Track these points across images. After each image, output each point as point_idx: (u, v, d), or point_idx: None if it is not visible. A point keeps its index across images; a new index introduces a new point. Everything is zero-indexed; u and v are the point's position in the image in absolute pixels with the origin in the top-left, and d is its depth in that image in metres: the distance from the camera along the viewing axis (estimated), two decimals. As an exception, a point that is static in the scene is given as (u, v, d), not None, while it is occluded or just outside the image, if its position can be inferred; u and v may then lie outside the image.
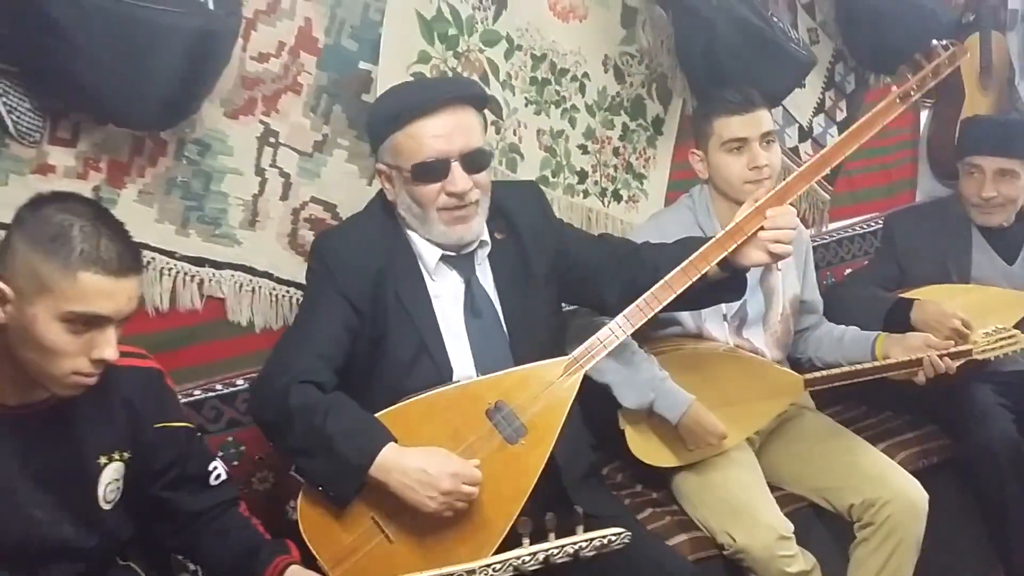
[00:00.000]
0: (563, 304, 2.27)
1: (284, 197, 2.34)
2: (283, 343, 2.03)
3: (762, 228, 1.93)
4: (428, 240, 2.03)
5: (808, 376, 2.46)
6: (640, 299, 1.96)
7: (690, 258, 1.95)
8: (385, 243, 2.04)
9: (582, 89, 2.81)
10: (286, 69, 2.29)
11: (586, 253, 2.18)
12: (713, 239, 1.96)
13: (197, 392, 2.19)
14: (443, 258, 2.04)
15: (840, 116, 3.47)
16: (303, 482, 1.89)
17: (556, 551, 1.63)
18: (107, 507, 1.67)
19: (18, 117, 1.92)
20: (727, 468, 2.37)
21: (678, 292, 1.95)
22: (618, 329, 1.97)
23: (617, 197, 2.94)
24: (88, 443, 1.65)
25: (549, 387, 1.94)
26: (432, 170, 1.93)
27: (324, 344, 1.94)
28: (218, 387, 2.24)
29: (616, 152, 2.92)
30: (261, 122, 2.27)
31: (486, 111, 2.35)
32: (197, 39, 1.92)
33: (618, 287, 2.09)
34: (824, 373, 2.48)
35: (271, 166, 2.31)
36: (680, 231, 2.36)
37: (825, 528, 2.47)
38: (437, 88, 2.02)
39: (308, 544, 1.84)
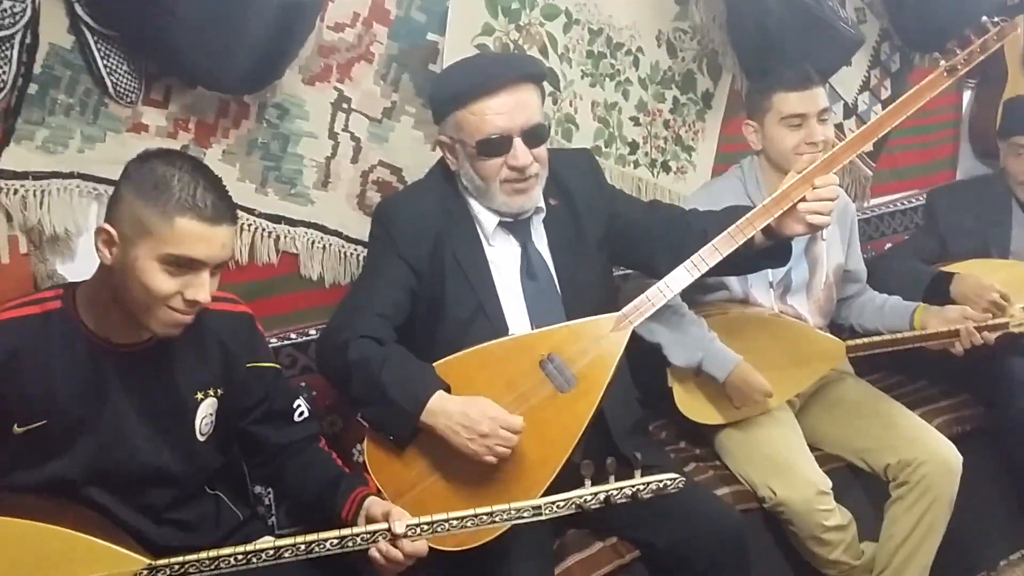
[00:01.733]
0: (615, 268, 2.38)
1: (354, 160, 2.47)
2: (346, 302, 2.16)
3: (803, 199, 2.01)
4: (487, 208, 2.15)
5: (850, 343, 2.56)
6: (688, 260, 2.04)
7: (737, 223, 2.04)
8: (444, 208, 2.15)
9: (636, 63, 2.91)
10: (360, 39, 2.41)
11: (637, 218, 2.28)
12: (760, 205, 2.05)
13: (273, 340, 2.33)
14: (501, 224, 2.15)
15: (884, 95, 3.55)
16: (367, 426, 2.03)
17: (616, 492, 1.74)
18: (201, 439, 1.81)
19: (117, 79, 2.06)
20: (769, 426, 2.48)
21: (724, 255, 2.03)
22: (666, 288, 2.05)
23: (666, 168, 3.05)
24: (186, 380, 1.78)
25: (599, 341, 2.04)
26: (495, 146, 2.04)
27: (383, 304, 2.07)
28: (292, 336, 2.39)
29: (666, 124, 3.02)
30: (335, 88, 2.40)
31: (544, 83, 2.46)
32: (285, 8, 2.05)
33: (667, 251, 2.17)
34: (864, 340, 2.58)
35: (343, 130, 2.44)
36: (730, 200, 2.46)
37: (861, 487, 2.57)
38: (499, 67, 2.10)
39: (372, 477, 1.97)
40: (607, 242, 2.26)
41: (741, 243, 2.03)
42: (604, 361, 2.03)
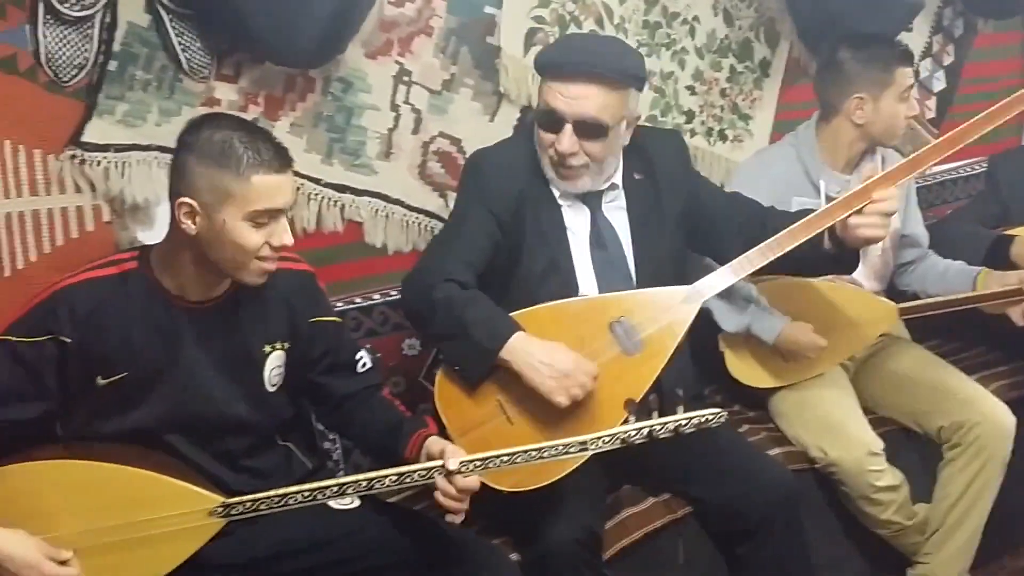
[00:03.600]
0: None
1: (415, 131, 2.56)
2: (432, 246, 2.27)
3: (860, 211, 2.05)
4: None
5: (903, 305, 2.58)
6: (763, 244, 2.11)
7: (816, 213, 2.09)
8: (528, 168, 2.22)
9: (692, 32, 2.95)
10: (419, 13, 2.49)
11: (716, 206, 2.33)
12: (844, 196, 2.08)
13: (339, 304, 2.42)
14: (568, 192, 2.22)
15: (947, 60, 3.52)
16: (431, 387, 2.12)
17: (659, 427, 1.80)
18: (271, 389, 1.92)
19: (191, 55, 2.17)
20: (822, 388, 2.52)
21: (800, 241, 2.09)
22: (739, 267, 2.12)
23: (723, 137, 3.08)
24: (255, 334, 1.89)
25: (669, 310, 2.10)
26: (547, 120, 2.11)
27: (468, 250, 2.15)
28: (357, 300, 2.49)
29: (723, 93, 3.05)
30: (396, 62, 2.49)
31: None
32: (347, -15, 2.14)
33: (740, 243, 2.20)
34: (917, 302, 2.60)
35: (404, 103, 2.52)
36: (782, 167, 2.51)
37: (914, 450, 2.60)
38: (586, 57, 2.11)
39: (440, 413, 2.07)
40: (684, 223, 2.31)
41: (816, 232, 2.08)
42: (672, 330, 2.10)
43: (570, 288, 2.19)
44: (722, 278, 2.13)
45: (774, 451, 2.47)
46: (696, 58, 2.97)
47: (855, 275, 2.63)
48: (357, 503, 1.95)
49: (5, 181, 2.02)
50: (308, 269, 1.99)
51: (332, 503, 1.91)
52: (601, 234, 2.23)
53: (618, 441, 1.81)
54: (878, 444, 2.41)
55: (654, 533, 2.22)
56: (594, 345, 2.08)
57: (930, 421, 2.53)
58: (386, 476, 1.75)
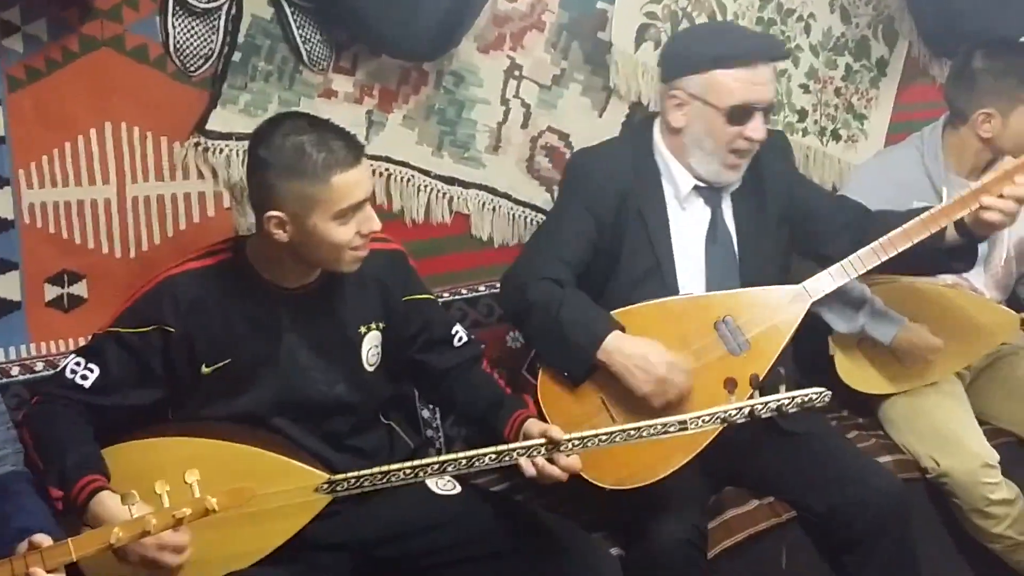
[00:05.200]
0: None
1: (524, 125, 2.58)
2: (530, 245, 2.28)
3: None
4: (692, 170, 2.18)
5: (1025, 315, 2.50)
6: (876, 242, 2.05)
7: (931, 211, 2.03)
8: (635, 167, 2.21)
9: (807, 29, 2.90)
10: (532, 8, 2.51)
11: (820, 207, 2.30)
12: (955, 197, 2.02)
13: (445, 295, 2.46)
14: (695, 188, 2.20)
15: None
16: (534, 381, 2.13)
17: (760, 406, 1.77)
18: (370, 369, 1.96)
19: (311, 47, 2.23)
20: (936, 397, 2.45)
21: (914, 241, 2.03)
22: (850, 267, 2.07)
23: (836, 136, 3.02)
24: (350, 316, 1.93)
25: (776, 311, 2.08)
26: (744, 114, 2.08)
27: (566, 250, 2.16)
28: (463, 291, 2.52)
29: (838, 92, 2.99)
30: (508, 56, 2.51)
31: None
32: (463, -21, 2.17)
33: (845, 246, 2.16)
34: (1042, 312, 2.50)
35: (514, 97, 2.54)
36: (905, 170, 2.44)
37: (1031, 463, 2.51)
38: (760, 41, 2.16)
39: (543, 411, 2.07)
40: (787, 224, 2.28)
41: (934, 231, 2.03)
42: (779, 331, 2.08)
43: (669, 290, 2.18)
44: (832, 278, 2.09)
45: (885, 458, 2.41)
46: (811, 56, 2.92)
47: (977, 283, 2.57)
48: (459, 489, 1.98)
49: (133, 166, 2.10)
50: (398, 248, 2.02)
51: (435, 488, 1.95)
52: (717, 231, 2.22)
53: (718, 420, 1.80)
54: (993, 456, 2.33)
55: (757, 536, 2.18)
56: (698, 344, 2.06)
57: (1050, 432, 2.43)
58: (485, 454, 1.77)
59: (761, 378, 1.91)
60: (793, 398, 1.76)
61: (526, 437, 1.85)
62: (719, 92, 2.08)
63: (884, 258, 2.05)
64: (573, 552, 1.90)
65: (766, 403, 1.77)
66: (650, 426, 1.79)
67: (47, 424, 1.72)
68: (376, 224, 1.78)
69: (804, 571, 2.26)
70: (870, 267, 2.06)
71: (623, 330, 2.03)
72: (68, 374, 1.77)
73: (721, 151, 2.13)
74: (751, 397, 1.85)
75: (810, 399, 1.77)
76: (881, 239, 2.04)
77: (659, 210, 2.20)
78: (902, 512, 2.16)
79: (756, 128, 2.09)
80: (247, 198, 2.21)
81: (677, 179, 2.20)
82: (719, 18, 2.73)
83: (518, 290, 2.11)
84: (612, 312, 2.08)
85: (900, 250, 2.04)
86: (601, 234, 2.19)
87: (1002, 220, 2.00)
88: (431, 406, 2.38)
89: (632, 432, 1.79)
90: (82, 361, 1.78)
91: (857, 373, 2.49)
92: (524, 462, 1.78)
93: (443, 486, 1.97)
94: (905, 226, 2.03)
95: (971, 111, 2.46)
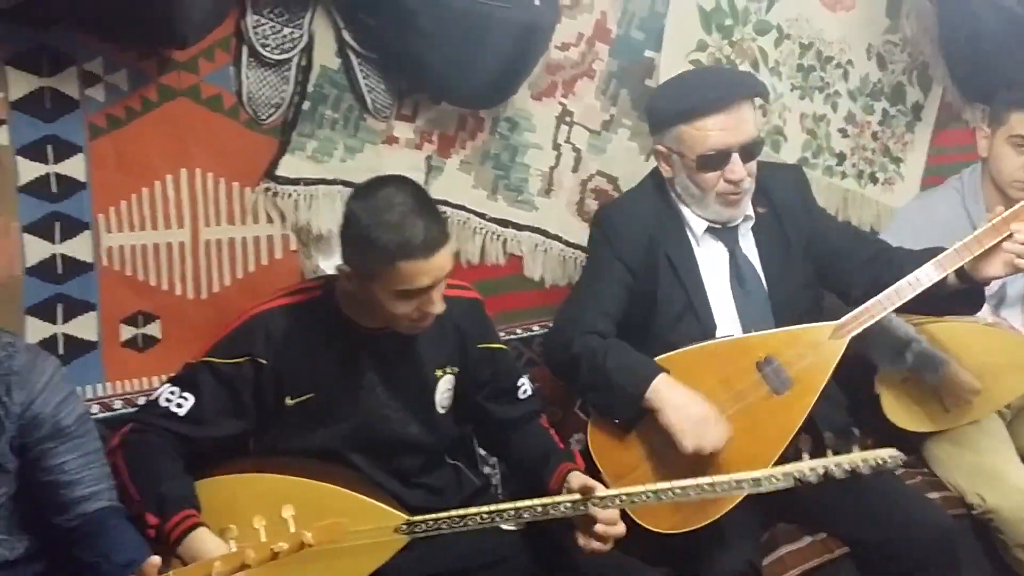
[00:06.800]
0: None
1: (575, 169, 2.65)
2: (569, 300, 2.34)
3: (1010, 236, 2.04)
4: (697, 214, 2.26)
5: (1066, 354, 2.54)
6: (911, 275, 2.10)
7: (964, 240, 2.07)
8: (658, 213, 2.29)
9: (845, 76, 2.98)
10: (583, 56, 2.60)
11: (840, 243, 2.35)
12: (985, 226, 2.08)
13: (500, 334, 2.48)
14: (709, 228, 2.27)
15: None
16: (586, 418, 2.19)
17: (834, 466, 1.82)
18: (441, 411, 2.02)
19: (375, 96, 2.31)
20: (979, 434, 2.50)
21: (948, 271, 2.08)
22: (887, 300, 2.12)
23: (873, 179, 3.10)
24: (427, 359, 1.99)
25: (816, 347, 2.12)
26: (715, 161, 2.15)
27: (604, 301, 2.23)
28: (517, 331, 2.58)
29: (875, 136, 3.07)
30: (560, 103, 2.59)
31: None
32: (525, 31, 2.26)
33: (865, 281, 2.22)
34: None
35: (565, 142, 2.62)
36: (945, 211, 2.50)
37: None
38: (721, 86, 2.21)
39: (594, 460, 2.13)
40: (810, 258, 2.34)
41: (967, 259, 2.07)
42: (820, 367, 2.12)
43: (708, 327, 2.23)
44: (869, 312, 2.12)
45: (931, 495, 2.44)
46: (849, 101, 3.00)
47: (1015, 322, 2.62)
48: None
49: (206, 211, 2.18)
50: (477, 296, 2.09)
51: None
52: (741, 269, 2.27)
53: (792, 479, 1.83)
54: (1038, 492, 2.37)
55: (811, 572, 2.23)
56: (741, 385, 2.11)
57: (1092, 472, 2.47)
58: (560, 503, 1.83)
59: (805, 443, 1.94)
60: (867, 459, 1.81)
61: (568, 489, 1.89)
62: (687, 143, 2.16)
63: (920, 290, 2.08)
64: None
65: (840, 464, 1.81)
66: (725, 482, 1.84)
67: (143, 453, 1.78)
68: (437, 309, 1.82)
69: (857, 607, 2.30)
70: (906, 299, 2.10)
71: (667, 372, 2.08)
72: (163, 402, 1.84)
73: (708, 196, 2.19)
74: (796, 457, 1.90)
75: (884, 461, 1.81)
76: (917, 271, 2.08)
77: (685, 252, 2.26)
78: (950, 545, 2.20)
79: (733, 170, 2.14)
80: (312, 241, 2.31)
81: (691, 223, 2.27)
82: (760, 65, 2.82)
83: (563, 346, 2.17)
84: (657, 358, 2.13)
85: (935, 280, 2.08)
86: (635, 280, 2.25)
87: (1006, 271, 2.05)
88: (487, 447, 2.44)
89: (706, 487, 1.83)
90: (176, 390, 1.85)
91: (902, 411, 2.53)
92: (580, 538, 1.85)
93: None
94: (940, 257, 2.08)
95: None
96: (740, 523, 2.10)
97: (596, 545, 1.85)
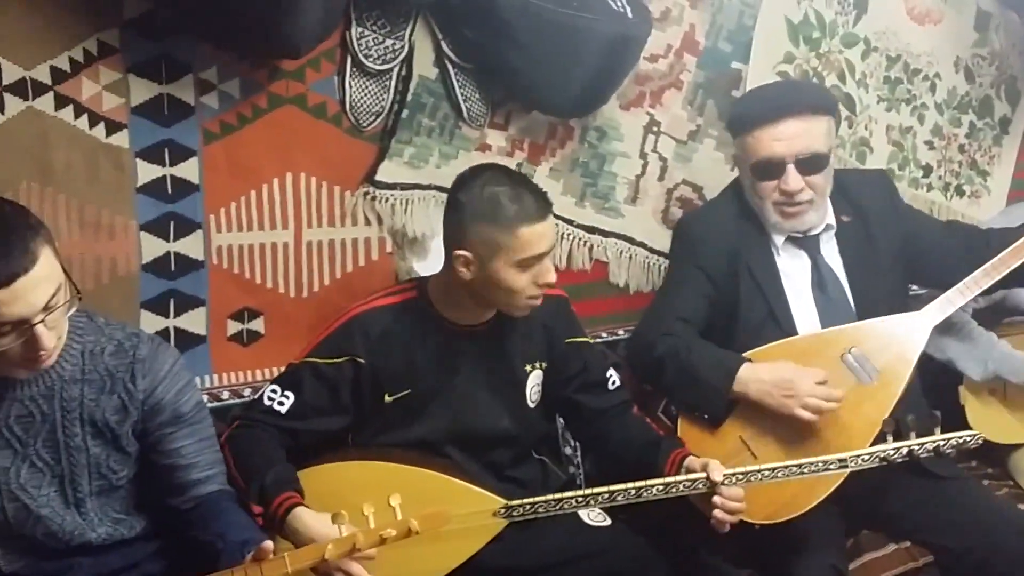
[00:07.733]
0: (912, 287, 2.46)
1: (661, 178, 2.71)
2: (651, 308, 2.39)
3: None
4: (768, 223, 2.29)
5: None
6: (988, 263, 2.13)
7: None
8: (738, 222, 2.33)
9: (932, 88, 2.99)
10: (671, 68, 2.65)
11: (936, 239, 2.36)
12: None
13: (586, 338, 2.58)
14: (789, 238, 2.30)
15: None
16: (671, 423, 2.23)
17: (918, 447, 1.85)
18: (532, 406, 2.09)
19: (470, 105, 2.39)
20: (1068, 447, 2.48)
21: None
22: (966, 289, 2.15)
23: (960, 192, 3.09)
24: (517, 355, 2.07)
25: (898, 337, 2.15)
26: (768, 169, 2.20)
27: (684, 309, 2.28)
28: (603, 335, 2.64)
29: (961, 149, 3.06)
30: (647, 113, 2.65)
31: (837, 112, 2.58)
32: (618, 43, 2.32)
33: (966, 268, 2.21)
34: None
35: (652, 151, 2.68)
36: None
37: None
38: (786, 97, 2.26)
39: None
40: (902, 261, 2.35)
41: None
42: (905, 357, 2.15)
43: (787, 335, 2.25)
44: (949, 301, 2.15)
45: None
46: (936, 114, 3.00)
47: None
48: (609, 522, 2.08)
49: (309, 213, 2.27)
50: (562, 294, 2.16)
51: (587, 520, 2.05)
52: (822, 277, 2.29)
53: (877, 459, 1.87)
54: None
55: (896, 579, 2.24)
56: (828, 377, 2.12)
57: None
58: (653, 486, 1.88)
59: (888, 426, 1.95)
60: (948, 439, 1.84)
61: (689, 471, 1.94)
62: (746, 151, 2.23)
63: (997, 277, 2.11)
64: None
65: (923, 444, 1.84)
66: (812, 463, 1.88)
67: (247, 446, 1.88)
68: (552, 277, 1.91)
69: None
70: (985, 287, 2.13)
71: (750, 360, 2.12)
72: (266, 401, 1.94)
73: (766, 204, 2.24)
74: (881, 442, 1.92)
75: (964, 440, 1.84)
76: (993, 260, 2.11)
77: (766, 261, 2.30)
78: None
79: (787, 181, 2.18)
80: (407, 244, 2.39)
81: (771, 232, 2.30)
82: (847, 77, 2.84)
83: (646, 349, 2.23)
84: (742, 354, 2.17)
85: (1012, 268, 2.10)
86: (716, 289, 2.29)
87: None
88: (573, 443, 2.48)
89: (794, 468, 1.87)
90: (278, 389, 1.94)
91: (987, 421, 2.53)
92: (717, 512, 1.88)
93: (595, 518, 2.08)
94: (1015, 245, 2.10)
95: None
96: (825, 529, 2.12)
97: (724, 515, 1.89)
